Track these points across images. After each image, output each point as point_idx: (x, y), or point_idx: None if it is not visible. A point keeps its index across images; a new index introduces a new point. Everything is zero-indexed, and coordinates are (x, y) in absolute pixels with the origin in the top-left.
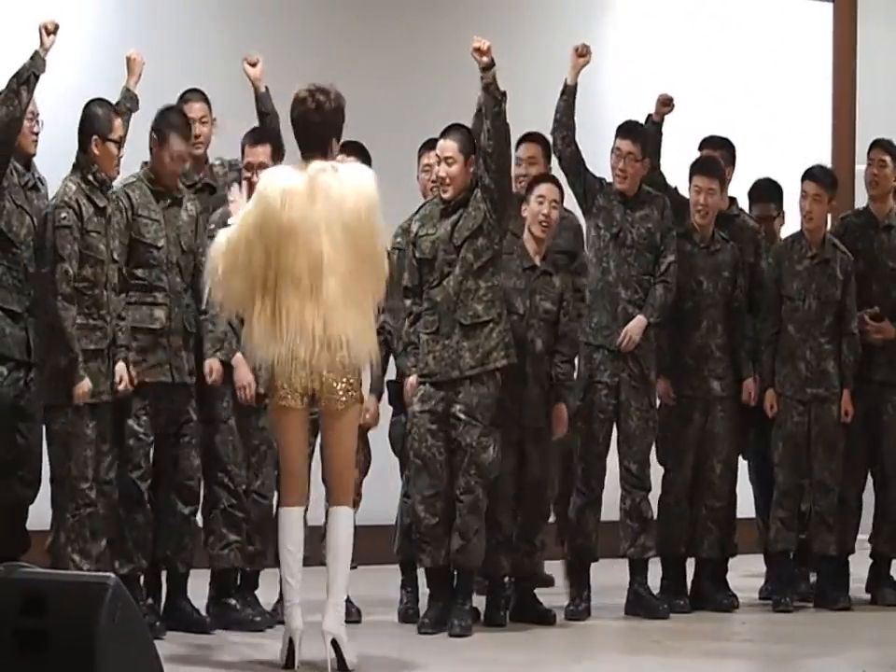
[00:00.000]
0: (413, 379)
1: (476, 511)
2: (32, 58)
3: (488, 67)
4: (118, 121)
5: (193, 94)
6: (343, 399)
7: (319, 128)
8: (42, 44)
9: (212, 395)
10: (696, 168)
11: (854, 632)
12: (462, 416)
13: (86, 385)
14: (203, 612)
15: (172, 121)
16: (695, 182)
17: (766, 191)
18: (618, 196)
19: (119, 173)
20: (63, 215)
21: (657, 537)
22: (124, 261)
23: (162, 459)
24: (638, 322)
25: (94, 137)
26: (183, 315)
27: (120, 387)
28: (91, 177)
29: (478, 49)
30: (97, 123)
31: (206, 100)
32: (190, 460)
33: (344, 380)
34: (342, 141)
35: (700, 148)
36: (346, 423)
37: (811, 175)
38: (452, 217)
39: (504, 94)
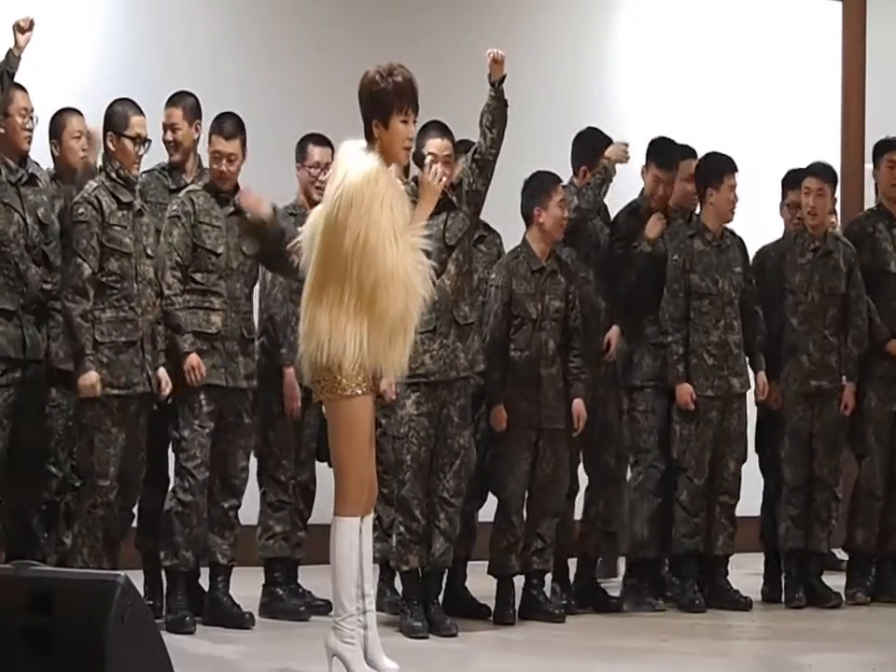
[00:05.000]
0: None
1: (459, 513)
2: (6, 56)
3: (503, 79)
4: (135, 119)
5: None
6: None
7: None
8: (16, 43)
9: (267, 393)
10: (722, 166)
11: (865, 630)
12: (456, 418)
13: (91, 377)
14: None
15: (216, 123)
16: (728, 181)
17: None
18: None
19: (139, 169)
20: (80, 210)
21: (673, 535)
22: (184, 263)
23: (212, 455)
24: (616, 330)
25: (110, 134)
26: (241, 320)
27: (166, 391)
28: (113, 174)
29: (495, 60)
30: (112, 120)
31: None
32: (237, 458)
33: (320, 377)
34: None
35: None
36: (331, 420)
37: (813, 171)
38: (441, 216)
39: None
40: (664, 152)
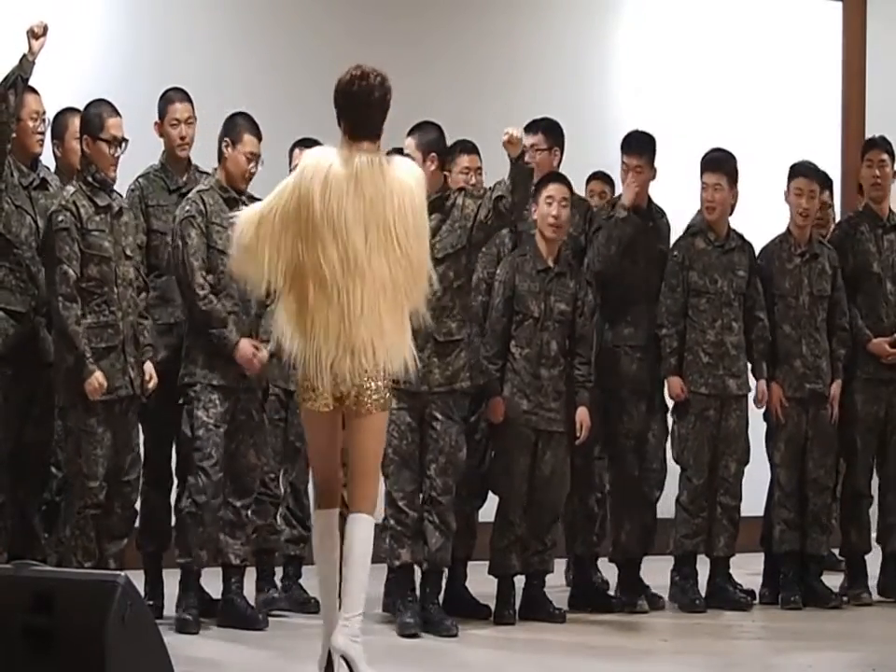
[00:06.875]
0: None
1: (452, 510)
2: (20, 62)
3: (522, 155)
4: (111, 120)
5: (177, 94)
6: (368, 404)
7: (375, 110)
8: (30, 48)
9: None
10: (703, 165)
11: (865, 630)
12: (439, 415)
13: (96, 379)
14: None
15: (243, 123)
16: (703, 179)
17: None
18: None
19: (115, 172)
20: (60, 218)
21: (674, 535)
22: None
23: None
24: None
25: (85, 137)
26: (251, 322)
27: (150, 385)
28: (90, 178)
29: (510, 142)
30: (87, 124)
31: (190, 100)
32: (248, 458)
33: (370, 386)
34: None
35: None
36: (368, 428)
37: (803, 172)
38: (431, 223)
39: (532, 169)
40: (628, 139)
